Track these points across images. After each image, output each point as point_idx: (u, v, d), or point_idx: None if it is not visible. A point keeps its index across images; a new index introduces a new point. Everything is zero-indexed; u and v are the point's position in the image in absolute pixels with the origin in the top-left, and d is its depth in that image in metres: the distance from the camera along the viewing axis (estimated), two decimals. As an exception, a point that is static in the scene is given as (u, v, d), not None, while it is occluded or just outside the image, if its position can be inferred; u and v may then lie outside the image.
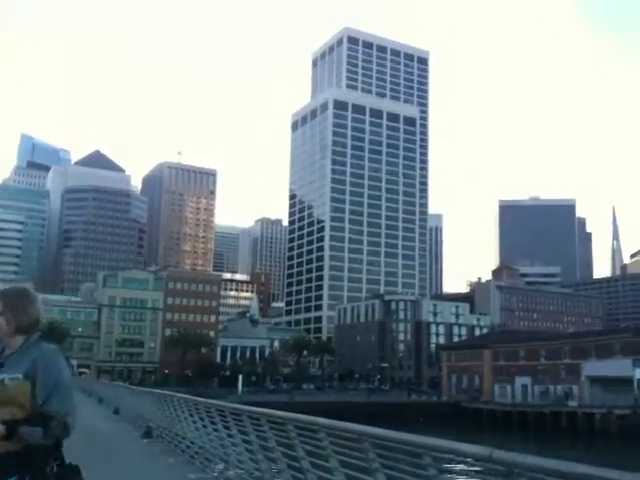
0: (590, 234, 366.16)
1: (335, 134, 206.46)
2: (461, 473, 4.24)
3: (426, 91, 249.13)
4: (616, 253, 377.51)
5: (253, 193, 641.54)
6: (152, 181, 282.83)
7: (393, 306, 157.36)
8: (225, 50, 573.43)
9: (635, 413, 69.08)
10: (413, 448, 4.57)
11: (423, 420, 71.23)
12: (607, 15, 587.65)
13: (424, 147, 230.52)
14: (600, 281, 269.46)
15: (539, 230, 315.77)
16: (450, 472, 4.48)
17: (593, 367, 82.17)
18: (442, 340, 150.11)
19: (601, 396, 77.75)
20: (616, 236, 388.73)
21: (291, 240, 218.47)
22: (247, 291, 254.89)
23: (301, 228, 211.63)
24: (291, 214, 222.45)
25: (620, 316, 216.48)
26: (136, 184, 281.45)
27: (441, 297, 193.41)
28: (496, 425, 76.16)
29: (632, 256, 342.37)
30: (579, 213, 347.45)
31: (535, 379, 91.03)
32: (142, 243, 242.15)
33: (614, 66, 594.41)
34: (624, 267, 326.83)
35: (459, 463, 4.45)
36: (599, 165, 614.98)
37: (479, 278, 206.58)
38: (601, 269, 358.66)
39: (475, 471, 4.17)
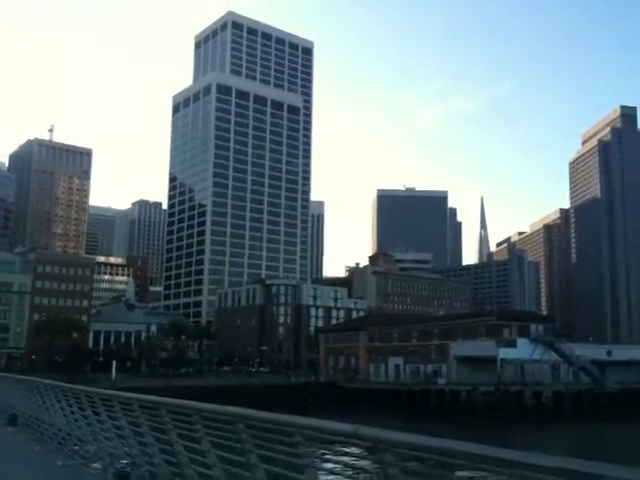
0: (460, 223, 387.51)
1: (218, 119, 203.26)
2: (330, 450, 4.37)
3: (310, 81, 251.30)
4: (483, 241, 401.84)
5: (131, 175, 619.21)
6: (20, 158, 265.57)
7: (274, 290, 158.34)
8: (105, 26, 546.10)
9: (498, 390, 74.06)
10: (285, 428, 4.68)
11: (312, 401, 72.59)
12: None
13: (307, 136, 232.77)
14: (468, 267, 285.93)
15: (413, 219, 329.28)
16: (319, 449, 4.62)
17: (460, 348, 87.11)
18: (321, 323, 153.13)
19: (467, 375, 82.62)
20: (483, 226, 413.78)
21: (171, 224, 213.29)
22: (123, 275, 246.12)
23: (181, 212, 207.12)
24: (171, 197, 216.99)
25: (486, 300, 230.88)
26: (3, 161, 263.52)
27: (321, 282, 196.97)
28: (371, 403, 78.94)
29: (498, 245, 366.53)
30: (450, 204, 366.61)
31: (407, 359, 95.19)
32: (8, 224, 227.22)
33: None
34: (490, 255, 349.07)
35: (328, 441, 4.61)
36: (470, 159, 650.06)
37: (357, 264, 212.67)
38: (469, 256, 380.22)
39: (343, 447, 4.34)
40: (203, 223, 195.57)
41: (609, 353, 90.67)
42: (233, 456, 5.63)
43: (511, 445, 3.12)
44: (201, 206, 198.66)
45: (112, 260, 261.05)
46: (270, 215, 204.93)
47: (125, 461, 8.60)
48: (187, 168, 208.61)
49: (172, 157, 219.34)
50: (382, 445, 3.62)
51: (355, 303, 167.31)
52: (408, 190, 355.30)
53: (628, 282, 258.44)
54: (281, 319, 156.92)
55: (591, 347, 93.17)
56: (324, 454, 4.80)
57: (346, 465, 4.87)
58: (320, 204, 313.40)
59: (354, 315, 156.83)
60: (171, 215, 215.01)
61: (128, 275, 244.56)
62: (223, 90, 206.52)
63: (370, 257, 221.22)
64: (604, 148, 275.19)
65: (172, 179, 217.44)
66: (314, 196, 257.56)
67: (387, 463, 3.63)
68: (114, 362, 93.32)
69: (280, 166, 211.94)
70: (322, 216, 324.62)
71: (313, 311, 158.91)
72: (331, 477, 5.56)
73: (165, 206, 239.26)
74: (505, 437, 49.49)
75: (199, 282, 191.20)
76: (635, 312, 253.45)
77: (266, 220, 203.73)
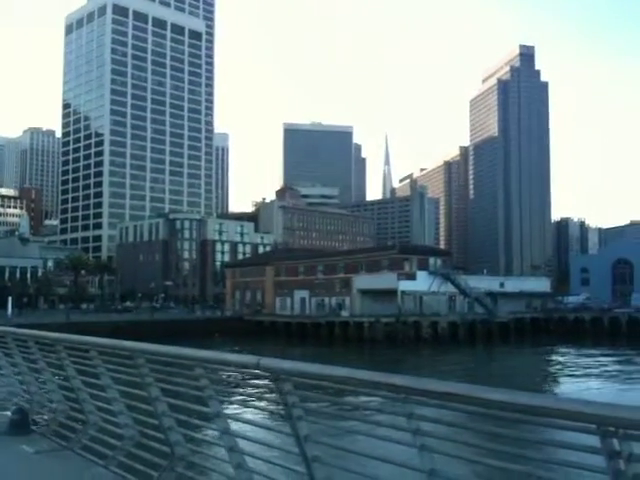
0: (365, 159, 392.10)
1: (114, 42, 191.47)
2: (233, 381, 4.46)
3: (212, 4, 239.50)
4: (387, 178, 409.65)
5: (21, 101, 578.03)
6: None
7: (178, 225, 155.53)
8: None
9: (398, 321, 77.12)
10: (186, 361, 4.68)
11: (218, 335, 72.82)
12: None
13: (210, 63, 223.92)
14: (372, 203, 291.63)
15: (320, 154, 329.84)
16: (221, 381, 4.76)
17: (363, 281, 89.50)
18: (227, 258, 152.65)
19: (370, 307, 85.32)
20: (387, 162, 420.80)
21: (66, 153, 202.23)
22: (15, 207, 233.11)
23: (77, 141, 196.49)
24: (65, 125, 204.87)
25: (389, 235, 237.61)
26: None
27: (227, 216, 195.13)
28: (278, 335, 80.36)
29: (401, 180, 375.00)
30: (356, 139, 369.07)
31: (313, 292, 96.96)
32: None
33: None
34: (393, 190, 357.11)
35: (230, 372, 4.74)
36: (375, 95, 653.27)
37: (264, 198, 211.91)
38: (374, 192, 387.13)
39: (245, 379, 4.46)
40: (101, 153, 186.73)
41: (502, 285, 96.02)
42: (134, 390, 5.55)
43: (409, 371, 3.21)
44: (98, 135, 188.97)
45: (3, 191, 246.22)
46: (172, 146, 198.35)
47: (23, 398, 8.28)
48: (82, 94, 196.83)
49: (65, 82, 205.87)
50: (283, 375, 3.71)
51: (262, 238, 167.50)
52: (314, 124, 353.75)
53: (521, 218, 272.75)
54: (186, 254, 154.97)
55: (485, 279, 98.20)
56: (227, 386, 4.82)
57: (249, 396, 4.83)
58: (225, 136, 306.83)
59: (260, 250, 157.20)
60: (66, 144, 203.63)
61: (21, 208, 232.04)
62: (119, 11, 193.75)
63: (277, 192, 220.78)
64: (503, 87, 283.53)
65: (66, 105, 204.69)
66: (219, 128, 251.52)
67: (287, 392, 3.73)
68: (10, 298, 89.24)
69: (182, 94, 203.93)
70: (227, 149, 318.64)
71: (219, 246, 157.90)
72: (234, 407, 5.52)
73: (59, 134, 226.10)
74: (405, 364, 51.89)
75: (98, 215, 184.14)
76: (526, 246, 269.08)
77: (168, 151, 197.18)
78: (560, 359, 62.21)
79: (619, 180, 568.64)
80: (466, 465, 3.22)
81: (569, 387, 43.38)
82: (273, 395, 3.96)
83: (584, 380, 46.66)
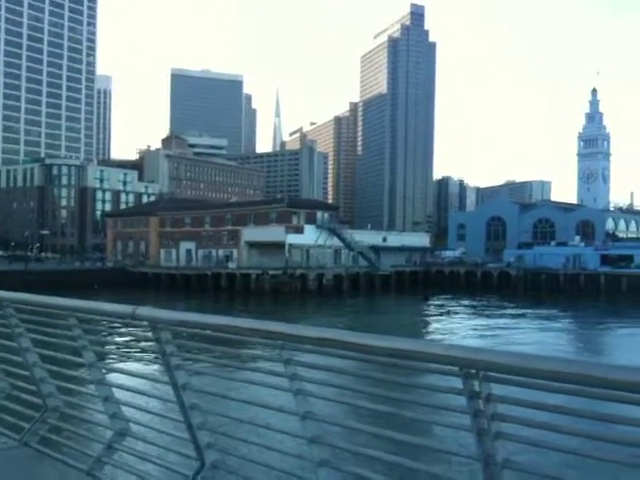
0: (255, 110, 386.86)
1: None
2: (108, 331, 4.38)
3: None
4: (277, 130, 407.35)
5: None
6: None
7: (55, 171, 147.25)
8: None
9: (285, 273, 78.20)
10: (58, 311, 4.56)
11: (97, 287, 70.19)
12: None
13: (93, 0, 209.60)
14: (262, 155, 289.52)
15: (209, 103, 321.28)
16: (96, 331, 4.62)
17: (251, 233, 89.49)
18: (109, 207, 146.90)
19: (257, 259, 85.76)
20: (278, 114, 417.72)
21: None
22: None
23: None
24: None
25: (278, 188, 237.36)
26: None
27: (109, 163, 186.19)
28: (161, 287, 79.01)
29: (291, 134, 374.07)
30: (246, 90, 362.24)
31: (199, 244, 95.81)
32: None
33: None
34: (283, 144, 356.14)
35: (106, 322, 4.59)
36: (265, 44, 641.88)
37: (149, 146, 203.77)
38: (264, 144, 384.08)
39: (122, 328, 4.42)
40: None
41: (384, 239, 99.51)
42: (3, 341, 5.26)
43: (292, 322, 3.32)
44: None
45: None
46: (50, 87, 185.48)
47: None
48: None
49: None
50: (160, 324, 3.67)
51: (146, 187, 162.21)
52: (204, 71, 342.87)
53: (405, 175, 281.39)
54: (64, 202, 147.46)
55: (369, 234, 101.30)
56: (102, 336, 4.69)
57: (126, 346, 4.74)
58: (108, 79, 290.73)
59: (145, 200, 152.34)
60: None
61: None
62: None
63: (163, 140, 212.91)
64: (393, 44, 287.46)
65: None
66: (101, 69, 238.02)
67: (165, 341, 3.69)
68: None
69: (61, 32, 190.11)
70: (110, 92, 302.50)
71: (100, 194, 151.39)
72: (110, 357, 5.40)
73: None
74: (289, 315, 52.86)
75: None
76: (409, 203, 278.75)
77: (45, 92, 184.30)
78: (434, 308, 65.85)
79: (497, 142, 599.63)
80: (338, 407, 3.36)
81: (439, 333, 46.25)
82: (150, 344, 3.90)
83: (453, 326, 49.95)
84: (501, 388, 2.44)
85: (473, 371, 2.45)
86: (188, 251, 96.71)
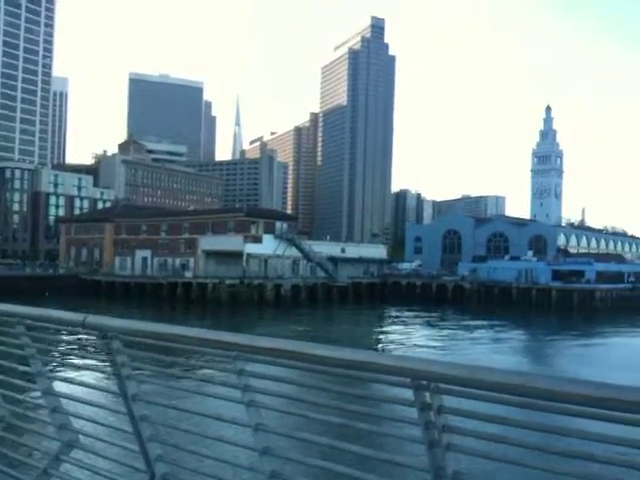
0: (215, 118, 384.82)
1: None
2: (57, 340, 4.29)
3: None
4: (237, 138, 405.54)
5: None
6: None
7: (8, 174, 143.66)
8: None
9: (242, 283, 77.77)
10: (5, 318, 4.41)
11: (49, 294, 68.46)
12: None
13: (51, 2, 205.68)
14: (221, 164, 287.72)
15: (167, 108, 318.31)
16: (44, 340, 4.45)
17: (209, 242, 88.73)
18: (62, 213, 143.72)
19: (215, 268, 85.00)
20: (238, 122, 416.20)
21: None
22: None
23: None
24: None
25: (237, 197, 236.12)
26: None
27: (63, 168, 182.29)
28: (115, 296, 77.52)
29: (251, 142, 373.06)
30: (206, 97, 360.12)
31: (155, 252, 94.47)
32: None
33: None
34: (243, 152, 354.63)
35: (55, 330, 4.52)
36: (227, 52, 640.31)
37: (105, 151, 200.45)
38: (223, 152, 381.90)
39: (72, 337, 4.48)
40: None
41: (343, 250, 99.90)
42: None
43: (248, 332, 3.30)
44: None
45: None
46: (4, 88, 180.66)
47: None
48: None
49: None
50: (111, 333, 3.59)
51: (101, 193, 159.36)
52: (162, 76, 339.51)
53: (364, 187, 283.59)
54: (16, 207, 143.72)
55: (328, 245, 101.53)
56: (51, 345, 4.52)
57: (76, 355, 4.64)
58: (64, 81, 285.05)
59: (100, 206, 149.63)
60: None
61: None
62: None
63: (120, 145, 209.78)
64: (353, 56, 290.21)
65: None
66: (58, 71, 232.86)
67: (116, 351, 3.62)
68: None
69: (18, 32, 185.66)
70: (66, 95, 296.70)
71: (53, 199, 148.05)
72: (59, 366, 5.29)
73: None
74: (244, 326, 52.49)
75: None
76: (367, 215, 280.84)
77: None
78: (390, 320, 66.39)
79: (454, 157, 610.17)
80: (291, 418, 3.35)
81: (393, 344, 46.65)
82: (101, 353, 3.82)
83: (407, 337, 50.44)
84: (453, 400, 2.46)
85: (424, 382, 2.44)
86: (144, 259, 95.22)
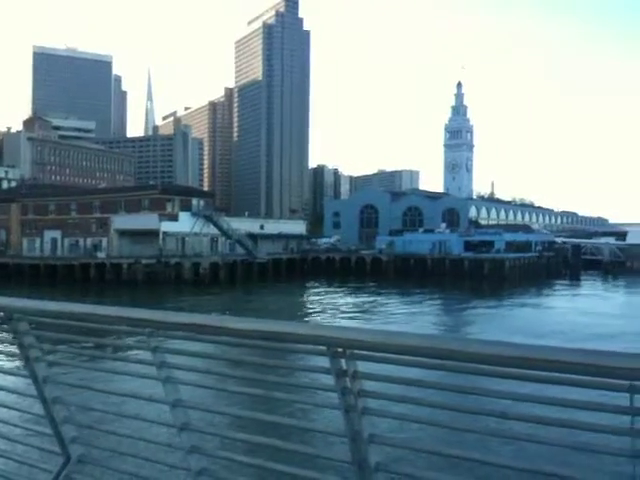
0: (125, 93, 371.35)
1: None
2: None
3: None
4: (149, 114, 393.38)
5: None
6: None
7: None
8: None
9: (159, 262, 76.08)
10: None
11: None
12: None
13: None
14: (133, 140, 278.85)
15: (75, 83, 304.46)
16: None
17: (122, 221, 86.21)
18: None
19: (129, 248, 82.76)
20: (150, 97, 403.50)
21: None
22: None
23: None
24: None
25: (150, 174, 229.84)
26: None
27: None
28: (24, 279, 74.23)
29: (164, 118, 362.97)
30: (115, 71, 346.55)
31: (65, 232, 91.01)
32: None
33: None
34: (156, 128, 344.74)
35: None
36: (136, 25, 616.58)
37: (8, 128, 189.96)
38: (135, 128, 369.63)
39: None
40: None
41: (262, 227, 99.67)
42: None
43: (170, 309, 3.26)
44: None
45: None
46: None
47: None
48: None
49: None
50: (17, 314, 3.44)
51: (6, 172, 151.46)
52: (69, 50, 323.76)
53: (281, 163, 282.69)
54: None
55: (247, 221, 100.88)
56: None
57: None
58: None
59: (4, 185, 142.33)
60: None
61: None
62: None
63: (24, 121, 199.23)
64: (268, 31, 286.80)
65: None
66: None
67: (23, 332, 3.48)
68: None
69: None
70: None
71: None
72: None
73: None
74: (165, 304, 51.63)
75: None
76: (286, 191, 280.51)
77: None
78: (309, 293, 67.11)
79: (370, 132, 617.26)
80: (209, 392, 3.34)
81: (311, 315, 47.38)
82: (6, 336, 3.67)
83: (326, 308, 51.31)
84: (372, 367, 2.49)
85: (340, 350, 2.47)
86: (53, 240, 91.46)
